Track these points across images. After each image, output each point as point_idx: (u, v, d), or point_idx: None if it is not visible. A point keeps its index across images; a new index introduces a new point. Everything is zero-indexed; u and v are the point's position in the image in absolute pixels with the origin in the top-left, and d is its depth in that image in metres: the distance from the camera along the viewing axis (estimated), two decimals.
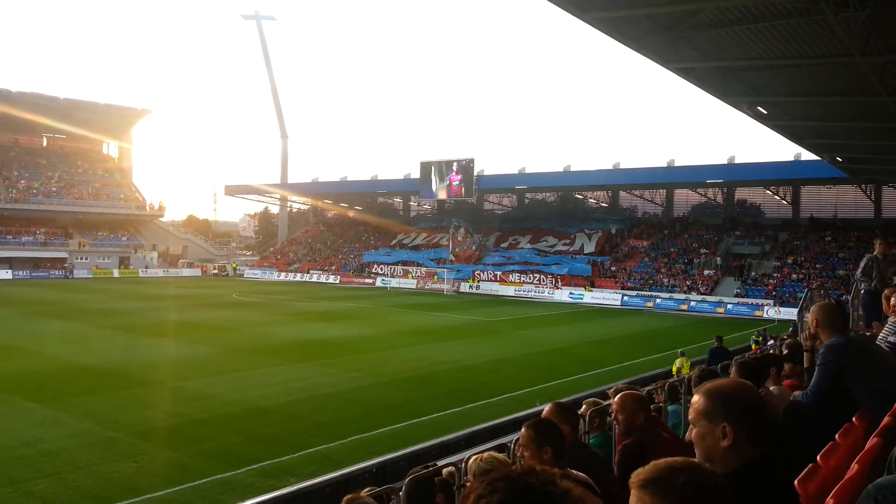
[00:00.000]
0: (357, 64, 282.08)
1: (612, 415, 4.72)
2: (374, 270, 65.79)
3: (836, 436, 3.24)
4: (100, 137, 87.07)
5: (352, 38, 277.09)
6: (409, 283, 61.53)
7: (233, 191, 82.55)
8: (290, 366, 22.46)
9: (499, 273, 58.39)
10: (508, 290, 55.81)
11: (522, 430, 3.63)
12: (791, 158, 45.43)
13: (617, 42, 11.79)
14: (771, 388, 5.51)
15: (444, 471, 5.58)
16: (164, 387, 19.14)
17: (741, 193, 60.55)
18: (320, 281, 66.62)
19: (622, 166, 57.31)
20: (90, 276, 68.86)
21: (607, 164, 59.15)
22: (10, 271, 65.01)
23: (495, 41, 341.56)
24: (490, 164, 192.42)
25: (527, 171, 62.45)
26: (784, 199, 57.26)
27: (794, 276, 47.09)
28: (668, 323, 39.02)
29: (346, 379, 20.53)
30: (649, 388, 8.84)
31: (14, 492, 11.30)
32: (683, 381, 7.37)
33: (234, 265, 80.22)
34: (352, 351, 25.68)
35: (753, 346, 21.01)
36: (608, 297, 50.31)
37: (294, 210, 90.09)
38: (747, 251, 52.48)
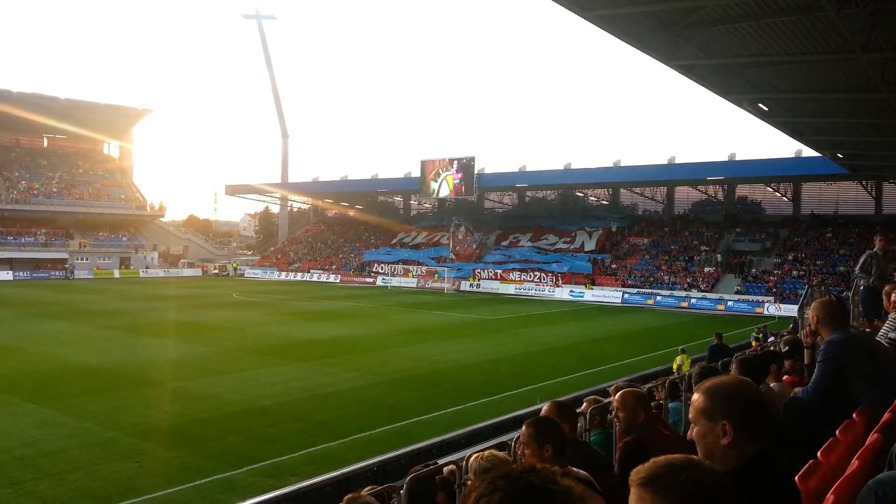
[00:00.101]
0: (357, 63, 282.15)
1: (613, 412, 4.71)
2: (374, 269, 65.80)
3: (837, 432, 3.24)
4: (100, 137, 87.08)
5: (352, 37, 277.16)
6: (410, 282, 61.55)
7: (233, 190, 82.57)
8: (290, 365, 22.46)
9: (499, 271, 58.39)
10: (509, 289, 55.81)
11: (523, 428, 3.63)
12: (792, 155, 45.41)
13: (617, 39, 11.78)
14: (771, 385, 5.51)
15: (445, 469, 5.58)
16: (165, 387, 19.14)
17: (742, 190, 60.53)
18: (321, 280, 66.64)
19: (623, 164, 57.30)
20: (91, 276, 68.87)
21: (608, 162, 59.15)
22: (10, 272, 65.03)
23: (495, 39, 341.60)
24: (490, 163, 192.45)
25: (527, 169, 62.46)
26: (785, 196, 57.24)
27: (794, 272, 47.08)
28: (668, 320, 39.01)
29: (346, 378, 20.54)
30: (650, 385, 8.83)
31: (15, 492, 11.30)
32: (684, 379, 7.37)
33: (234, 265, 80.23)
34: (352, 350, 25.68)
35: (754, 343, 20.99)
36: (609, 295, 50.31)
37: (294, 209, 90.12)
38: (748, 248, 52.45)
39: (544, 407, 4.32)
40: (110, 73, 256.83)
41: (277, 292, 53.01)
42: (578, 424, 6.13)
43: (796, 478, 2.45)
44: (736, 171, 51.65)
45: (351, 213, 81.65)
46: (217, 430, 15.03)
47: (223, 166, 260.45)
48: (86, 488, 11.55)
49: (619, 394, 4.52)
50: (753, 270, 49.20)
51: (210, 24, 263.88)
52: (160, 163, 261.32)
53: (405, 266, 64.13)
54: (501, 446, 5.90)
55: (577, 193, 68.42)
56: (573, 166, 59.73)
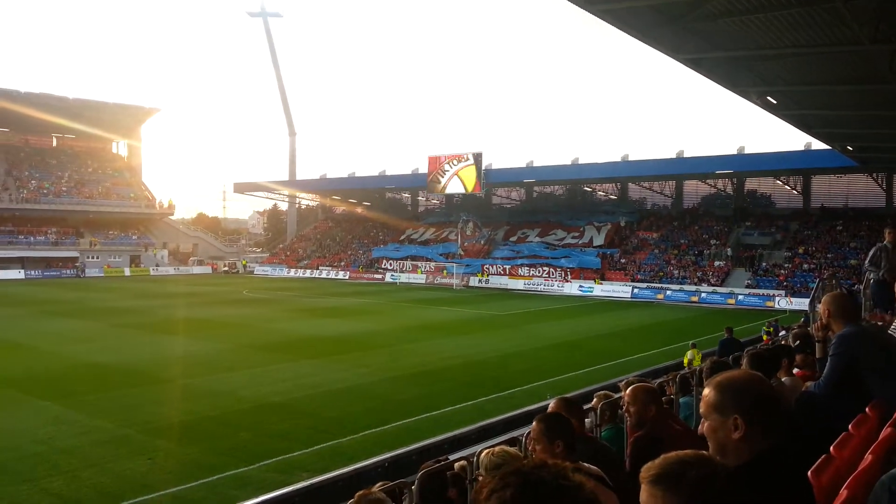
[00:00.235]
0: (364, 59, 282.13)
1: (624, 407, 4.71)
2: (383, 266, 65.88)
3: (850, 426, 3.23)
4: (109, 136, 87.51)
5: (358, 34, 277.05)
6: (419, 278, 61.59)
7: (242, 188, 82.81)
8: (300, 362, 22.54)
9: (508, 267, 58.35)
10: (518, 284, 55.77)
11: (533, 424, 3.63)
12: (801, 148, 45.14)
13: (625, 34, 11.74)
14: (783, 379, 5.49)
15: (457, 465, 5.59)
16: (176, 384, 19.25)
17: (751, 184, 60.20)
18: (330, 277, 66.78)
19: (631, 158, 57.10)
20: (101, 274, 69.29)
21: (616, 157, 59.09)
22: (22, 271, 65.52)
23: (502, 35, 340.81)
24: (498, 158, 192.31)
25: (535, 164, 62.34)
26: (794, 189, 56.89)
27: (805, 266, 46.84)
28: (678, 315, 38.89)
29: (356, 374, 20.59)
30: (661, 380, 8.80)
31: (30, 489, 11.41)
32: (695, 373, 7.35)
33: (244, 262, 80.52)
34: (362, 346, 25.74)
35: (765, 337, 20.91)
36: (618, 290, 50.20)
37: (303, 206, 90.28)
38: (758, 242, 52.20)
39: (551, 404, 4.33)
40: (118, 72, 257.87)
41: (287, 289, 53.16)
42: (589, 420, 6.14)
43: (809, 472, 2.45)
44: (745, 165, 51.35)
45: (359, 209, 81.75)
46: (228, 426, 15.11)
47: (231, 164, 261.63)
48: (99, 485, 11.64)
49: (629, 389, 4.52)
50: (764, 264, 48.96)
51: (216, 23, 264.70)
52: (169, 161, 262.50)
53: (414, 262, 64.17)
54: (512, 442, 5.90)
55: (585, 188, 68.21)
56: (581, 161, 59.57)
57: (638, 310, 41.28)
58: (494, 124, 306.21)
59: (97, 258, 72.32)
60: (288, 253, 78.25)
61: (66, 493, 11.32)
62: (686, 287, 48.33)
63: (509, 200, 74.33)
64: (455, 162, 62.11)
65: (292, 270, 71.18)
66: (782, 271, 47.19)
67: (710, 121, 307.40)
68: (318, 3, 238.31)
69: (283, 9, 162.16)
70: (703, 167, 53.05)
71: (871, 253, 9.71)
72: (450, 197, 69.33)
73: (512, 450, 4.53)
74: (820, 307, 4.53)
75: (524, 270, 57.04)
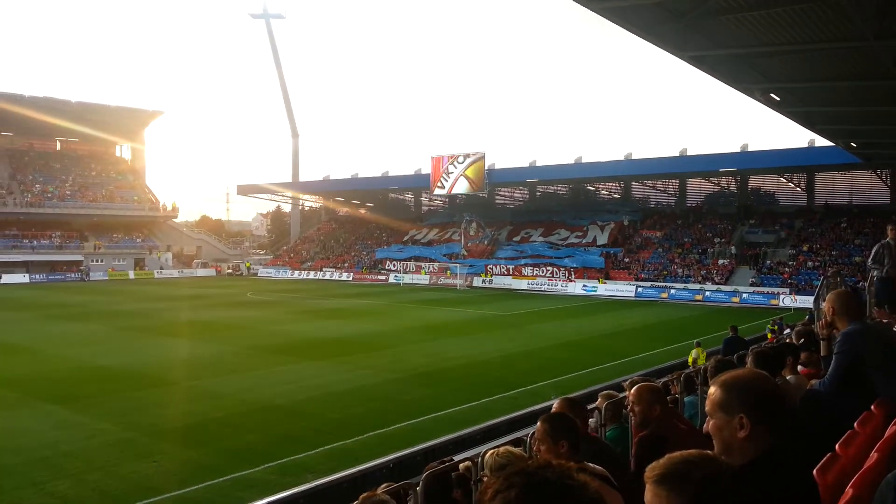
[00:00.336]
0: (367, 60, 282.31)
1: (629, 407, 4.70)
2: (386, 267, 65.92)
3: (855, 424, 3.22)
4: (113, 139, 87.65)
5: (361, 35, 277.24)
6: (422, 279, 61.61)
7: (245, 190, 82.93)
8: (305, 363, 22.56)
9: (511, 267, 58.34)
10: (521, 284, 55.75)
11: (538, 424, 3.63)
12: (805, 145, 45.02)
13: (627, 31, 11.72)
14: (788, 378, 5.47)
15: (461, 466, 5.59)
16: (181, 386, 19.29)
17: (755, 181, 60.07)
18: (333, 278, 66.83)
19: (634, 157, 57.01)
20: (106, 277, 69.43)
21: (619, 155, 58.91)
22: (26, 275, 65.69)
23: (505, 34, 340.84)
24: (501, 158, 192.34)
25: (538, 163, 62.27)
26: (798, 187, 56.76)
27: (809, 263, 46.73)
28: (682, 313, 38.83)
29: (361, 375, 20.60)
30: (665, 379, 8.78)
31: (36, 492, 11.44)
32: (699, 372, 7.33)
33: (247, 264, 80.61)
34: (366, 347, 25.75)
35: (769, 336, 20.87)
36: (622, 289, 50.14)
37: (306, 208, 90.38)
38: (762, 240, 52.10)
39: (554, 404, 4.32)
40: (122, 75, 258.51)
41: (291, 291, 53.22)
42: (594, 420, 6.13)
43: (814, 471, 2.44)
44: (748, 163, 51.24)
45: (362, 211, 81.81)
46: (233, 428, 15.13)
47: (235, 166, 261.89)
48: (105, 488, 11.66)
49: (634, 388, 4.51)
50: (768, 262, 48.85)
51: (218, 25, 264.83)
52: (172, 164, 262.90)
53: (417, 263, 64.19)
54: (517, 442, 5.89)
55: (589, 187, 68.15)
56: (584, 160, 59.48)
57: (642, 309, 41.23)
58: (497, 124, 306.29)
59: (101, 261, 72.46)
60: (291, 255, 78.34)
61: (72, 496, 11.35)
62: (690, 286, 48.25)
63: (512, 200, 74.29)
64: (458, 162, 62.06)
65: (296, 272, 71.25)
66: (786, 269, 47.08)
67: (713, 119, 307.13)
68: (321, 5, 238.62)
69: (286, 10, 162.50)
70: (706, 165, 52.96)
71: (873, 250, 9.69)
72: (453, 197, 69.32)
73: (517, 450, 4.52)
74: (824, 305, 4.51)
75: (528, 270, 57.02)
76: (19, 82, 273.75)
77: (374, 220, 77.05)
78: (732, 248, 51.23)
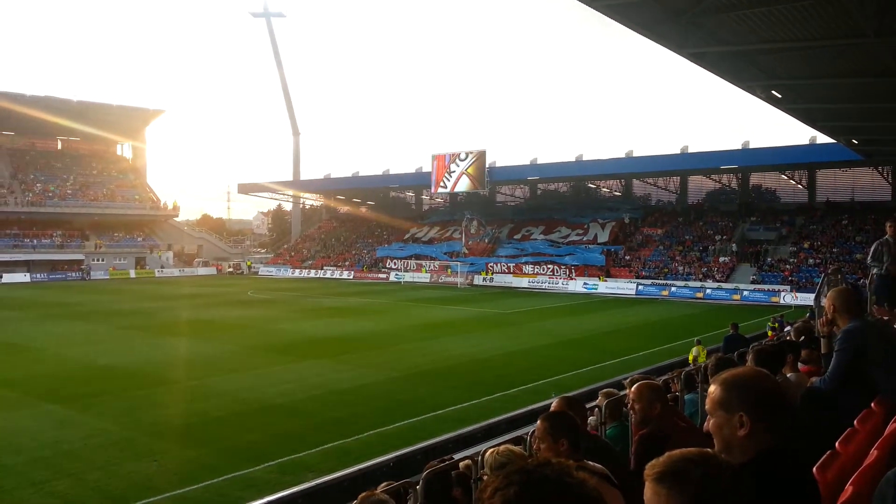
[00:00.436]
0: (367, 58, 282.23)
1: (629, 405, 4.69)
2: (387, 265, 65.94)
3: (855, 422, 3.21)
4: (114, 138, 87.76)
5: (362, 33, 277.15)
6: (423, 277, 61.62)
7: (246, 189, 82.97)
8: (305, 362, 22.56)
9: (512, 265, 58.35)
10: (522, 282, 55.76)
11: (538, 422, 3.62)
12: (806, 142, 44.98)
13: (628, 29, 11.70)
14: (788, 375, 5.46)
15: (461, 464, 5.59)
16: (181, 385, 19.30)
17: (756, 179, 60.07)
18: (334, 277, 66.87)
19: (635, 154, 57.03)
20: (107, 277, 69.49)
21: (620, 153, 58.92)
22: (27, 274, 65.76)
23: (506, 32, 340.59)
24: (501, 156, 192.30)
25: (539, 161, 62.31)
26: (800, 184, 56.74)
27: (810, 260, 46.70)
28: (683, 311, 38.83)
29: (361, 374, 20.60)
30: (665, 377, 8.77)
31: (35, 492, 11.44)
32: (700, 370, 7.32)
33: (248, 263, 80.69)
34: (367, 346, 25.76)
35: (770, 333, 20.85)
36: (623, 287, 50.14)
37: (307, 206, 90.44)
38: (763, 237, 52.08)
39: (553, 403, 4.32)
40: (122, 74, 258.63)
41: (291, 289, 53.24)
42: (594, 418, 6.13)
43: (814, 469, 2.43)
44: (750, 160, 51.24)
45: (363, 209, 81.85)
46: (234, 427, 15.13)
47: (235, 165, 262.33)
48: (105, 488, 11.67)
49: (634, 386, 4.50)
50: (769, 259, 48.84)
51: (219, 24, 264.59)
52: (173, 163, 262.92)
53: (418, 261, 64.21)
54: (517, 441, 5.89)
55: (590, 185, 68.17)
56: (585, 157, 59.48)
57: (642, 307, 41.22)
58: (498, 122, 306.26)
59: (102, 260, 72.52)
60: (292, 253, 78.38)
61: (72, 496, 11.35)
62: (691, 283, 48.24)
63: (513, 198, 74.31)
64: (460, 160, 62.04)
65: (297, 271, 71.29)
66: (788, 266, 47.06)
67: (714, 116, 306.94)
68: (321, 3, 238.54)
69: (286, 9, 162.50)
70: (707, 162, 52.97)
71: (872, 248, 9.68)
72: (454, 195, 69.36)
73: (517, 449, 4.52)
74: (825, 302, 4.50)
75: (528, 268, 57.02)
76: (20, 81, 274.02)
77: (375, 218, 77.08)
78: (733, 245, 51.22)
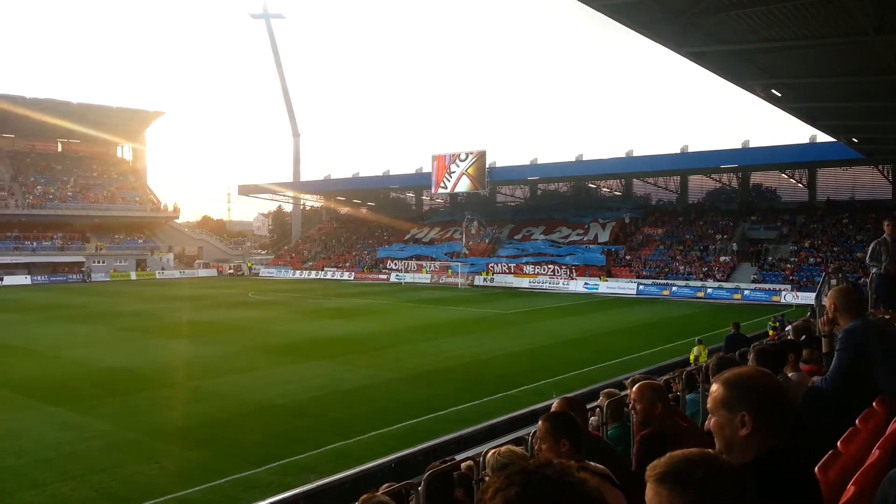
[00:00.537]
0: (366, 59, 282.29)
1: (630, 405, 4.69)
2: (387, 266, 65.93)
3: (857, 421, 3.20)
4: (114, 140, 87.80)
5: (361, 34, 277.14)
6: (424, 278, 61.62)
7: (246, 190, 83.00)
8: (306, 363, 22.56)
9: (513, 265, 58.34)
10: (523, 282, 55.75)
11: (539, 423, 3.62)
12: (806, 141, 44.96)
13: (627, 28, 11.70)
14: (789, 375, 5.46)
15: (463, 465, 5.59)
16: (183, 387, 19.30)
17: (756, 178, 60.04)
18: (335, 278, 66.87)
19: (635, 154, 57.00)
20: (108, 279, 69.52)
21: (620, 152, 58.91)
22: (28, 276, 65.81)
23: (505, 33, 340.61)
24: (501, 156, 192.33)
25: (539, 161, 62.29)
26: (800, 183, 56.72)
27: (811, 259, 46.68)
28: (684, 311, 38.81)
29: (362, 375, 20.60)
30: (667, 377, 8.77)
31: (38, 494, 11.44)
32: (701, 370, 7.32)
33: (249, 265, 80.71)
34: (368, 347, 25.76)
35: (770, 333, 20.83)
36: (623, 287, 50.12)
37: (307, 208, 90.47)
38: (764, 236, 52.07)
39: (554, 403, 4.32)
40: (122, 76, 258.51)
41: (292, 291, 53.24)
42: (595, 418, 6.12)
43: (816, 468, 2.43)
44: (750, 159, 51.22)
45: (363, 210, 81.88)
46: (235, 429, 15.14)
47: (236, 166, 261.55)
48: (108, 489, 11.67)
49: (636, 386, 4.50)
50: (770, 258, 48.82)
51: (219, 25, 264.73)
52: (173, 165, 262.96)
53: (418, 262, 64.21)
54: (518, 441, 5.88)
55: (590, 185, 68.16)
56: (585, 157, 59.47)
57: (643, 306, 41.21)
58: (498, 122, 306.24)
59: (103, 262, 72.56)
60: (293, 255, 78.39)
61: (75, 498, 11.35)
62: (692, 283, 48.23)
63: (513, 198, 74.31)
64: (460, 160, 62.03)
65: (297, 272, 71.31)
66: (788, 265, 47.05)
67: (714, 115, 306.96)
68: (320, 4, 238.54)
69: (286, 10, 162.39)
70: (707, 162, 52.94)
71: (870, 248, 9.68)
72: (454, 196, 69.36)
73: (518, 449, 4.52)
74: (826, 302, 4.50)
75: (529, 268, 57.01)
76: (21, 84, 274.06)
77: (376, 219, 77.10)
78: (734, 244, 51.20)
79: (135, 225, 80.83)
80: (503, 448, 4.31)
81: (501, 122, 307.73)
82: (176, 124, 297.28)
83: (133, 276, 72.09)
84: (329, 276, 67.92)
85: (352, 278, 65.62)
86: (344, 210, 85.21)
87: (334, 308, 40.33)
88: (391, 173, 72.05)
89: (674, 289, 47.93)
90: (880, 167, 49.85)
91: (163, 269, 75.53)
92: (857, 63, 13.67)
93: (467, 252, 62.75)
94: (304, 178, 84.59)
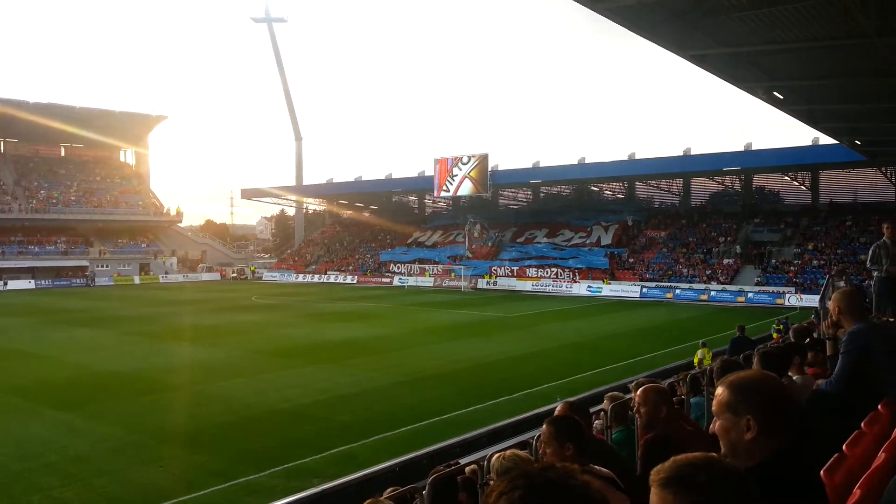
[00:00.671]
0: (369, 62, 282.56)
1: (635, 408, 4.69)
2: (390, 269, 65.96)
3: (862, 424, 3.20)
4: (117, 145, 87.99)
5: (363, 37, 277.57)
6: (427, 281, 61.63)
7: (249, 194, 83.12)
8: (310, 367, 22.57)
9: (516, 268, 58.32)
10: (526, 285, 55.72)
11: (544, 427, 3.63)
12: (809, 143, 44.90)
13: (629, 31, 11.71)
14: (794, 378, 5.45)
15: (467, 469, 5.59)
16: (187, 391, 19.31)
17: (759, 180, 59.97)
18: (338, 281, 66.92)
19: (637, 157, 56.97)
20: (111, 283, 69.64)
21: (622, 155, 58.88)
22: (32, 281, 65.93)
23: (507, 36, 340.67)
24: (504, 159, 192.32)
25: (541, 164, 62.25)
26: (803, 185, 56.64)
27: (814, 262, 46.61)
28: (688, 314, 38.77)
29: (366, 379, 20.59)
30: (671, 380, 8.77)
31: (43, 498, 11.45)
32: (705, 373, 7.32)
33: (252, 268, 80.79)
34: (371, 351, 25.76)
35: (775, 335, 20.81)
36: (627, 290, 50.08)
37: (310, 211, 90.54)
38: (767, 238, 52.00)
39: (557, 408, 4.32)
40: (124, 80, 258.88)
41: (295, 294, 53.28)
42: (599, 421, 6.12)
43: (821, 472, 2.42)
44: (752, 161, 51.13)
45: (366, 213, 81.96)
46: (240, 432, 15.14)
47: (238, 170, 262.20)
48: (112, 493, 11.68)
49: (640, 390, 4.50)
50: (773, 261, 48.75)
51: (221, 30, 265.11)
52: (176, 169, 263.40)
53: (421, 265, 64.21)
54: (523, 445, 5.89)
55: (592, 188, 68.12)
56: (587, 160, 59.43)
57: (647, 309, 41.17)
58: (500, 125, 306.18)
59: (107, 267, 72.70)
60: (296, 258, 78.46)
61: (79, 502, 11.36)
62: (695, 286, 48.18)
63: (516, 201, 74.30)
64: (462, 163, 62.06)
65: (300, 276, 71.37)
66: (792, 268, 46.97)
67: (716, 118, 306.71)
68: (322, 8, 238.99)
69: (287, 14, 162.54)
70: (710, 164, 52.89)
71: (870, 252, 9.68)
72: (456, 199, 69.36)
73: (523, 453, 4.52)
74: (830, 304, 4.50)
75: (532, 272, 56.99)
76: (24, 89, 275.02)
77: (378, 222, 77.16)
78: (737, 247, 51.14)
79: (138, 229, 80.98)
80: (508, 452, 4.32)
81: (503, 124, 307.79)
82: (179, 128, 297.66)
83: (137, 280, 72.22)
84: (332, 279, 67.96)
85: (355, 282, 65.66)
86: (347, 213, 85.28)
87: (338, 312, 40.35)
88: (393, 177, 72.12)
89: (677, 291, 47.88)
90: (883, 169, 49.77)
91: (166, 273, 75.63)
92: (859, 65, 13.66)
93: (470, 255, 62.74)
94: (306, 181, 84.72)
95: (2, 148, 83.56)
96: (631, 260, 54.93)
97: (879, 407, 3.53)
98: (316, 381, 20.40)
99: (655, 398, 4.32)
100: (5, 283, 63.24)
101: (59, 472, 12.68)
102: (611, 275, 52.87)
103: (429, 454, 12.20)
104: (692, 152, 54.09)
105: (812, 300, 34.15)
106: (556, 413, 4.17)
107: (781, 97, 16.80)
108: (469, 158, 61.97)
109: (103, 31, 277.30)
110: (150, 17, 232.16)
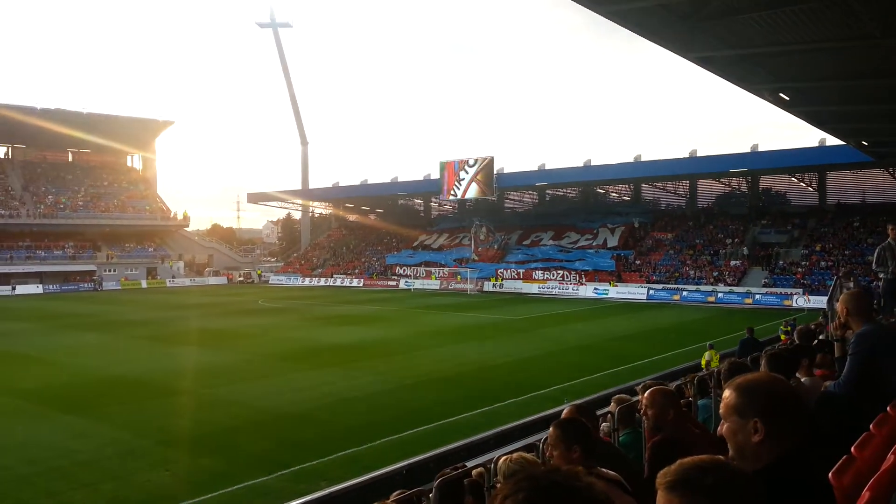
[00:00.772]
0: (374, 66, 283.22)
1: (642, 411, 4.67)
2: (397, 272, 66.00)
3: (871, 426, 3.18)
4: (124, 150, 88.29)
5: (368, 41, 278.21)
6: (433, 284, 61.62)
7: (255, 198, 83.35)
8: (317, 370, 22.59)
9: (522, 271, 58.27)
10: (532, 288, 55.65)
11: (550, 429, 3.62)
12: (815, 144, 44.76)
13: (634, 34, 11.71)
14: (802, 380, 5.42)
15: (474, 472, 5.57)
16: (194, 395, 19.35)
17: (766, 182, 59.81)
18: (344, 285, 66.98)
19: (643, 158, 56.90)
20: (119, 287, 69.87)
21: (628, 157, 59.01)
22: (40, 285, 66.23)
23: (512, 39, 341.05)
24: (510, 162, 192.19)
25: (547, 167, 62.27)
26: (810, 186, 56.44)
27: (822, 263, 46.40)
28: (695, 315, 38.65)
29: (373, 382, 20.60)
30: (678, 382, 8.74)
31: (51, 502, 11.49)
32: (713, 375, 7.28)
33: (258, 272, 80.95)
34: (378, 354, 25.76)
35: (783, 337, 20.71)
36: (633, 292, 49.96)
37: (316, 215, 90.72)
38: (774, 240, 51.80)
39: (564, 411, 4.31)
40: (131, 86, 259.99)
41: (302, 298, 53.35)
42: (607, 424, 6.10)
43: (830, 474, 2.41)
44: (759, 163, 51.02)
45: (372, 217, 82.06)
46: (247, 436, 15.16)
47: (245, 174, 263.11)
48: (120, 497, 11.71)
49: (647, 392, 4.48)
50: (781, 262, 48.55)
51: (226, 35, 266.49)
52: (183, 173, 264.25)
53: (427, 268, 64.21)
54: (530, 448, 5.87)
55: (598, 190, 68.04)
56: (593, 163, 59.43)
57: (654, 311, 41.06)
58: (506, 128, 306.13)
59: (114, 271, 72.94)
60: (302, 262, 78.58)
61: None
62: (702, 287, 48.02)
63: (522, 204, 74.27)
64: (469, 166, 62.09)
65: (307, 279, 71.47)
66: (799, 269, 46.77)
67: (722, 119, 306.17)
68: (327, 13, 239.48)
69: (293, 19, 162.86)
70: (716, 166, 52.78)
71: (875, 254, 9.64)
72: (462, 202, 69.38)
73: (529, 456, 4.50)
74: (838, 306, 4.48)
75: (538, 274, 56.92)
76: (31, 94, 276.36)
77: (384, 226, 77.24)
78: (744, 248, 50.96)
79: (145, 233, 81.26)
80: (515, 455, 4.31)
81: (509, 127, 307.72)
82: (185, 133, 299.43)
83: (144, 284, 72.44)
84: (338, 282, 68.04)
85: (361, 285, 65.71)
86: (353, 217, 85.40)
87: (344, 315, 40.38)
88: (399, 180, 72.19)
89: (684, 293, 47.74)
90: (891, 170, 49.54)
91: (173, 277, 75.84)
92: (865, 66, 13.62)
93: (476, 258, 62.73)
94: (312, 185, 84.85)
95: (10, 153, 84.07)
96: (637, 262, 54.80)
97: (888, 409, 3.51)
98: (322, 384, 20.42)
99: (663, 400, 4.30)
100: (14, 288, 63.52)
101: (67, 476, 12.72)
102: (617, 277, 52.76)
103: (435, 457, 12.17)
104: (698, 154, 54.00)
105: (820, 302, 33.97)
106: (562, 416, 4.16)
107: (787, 98, 16.75)
108: (475, 161, 62.00)
109: (110, 37, 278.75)
110: (156, 23, 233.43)
